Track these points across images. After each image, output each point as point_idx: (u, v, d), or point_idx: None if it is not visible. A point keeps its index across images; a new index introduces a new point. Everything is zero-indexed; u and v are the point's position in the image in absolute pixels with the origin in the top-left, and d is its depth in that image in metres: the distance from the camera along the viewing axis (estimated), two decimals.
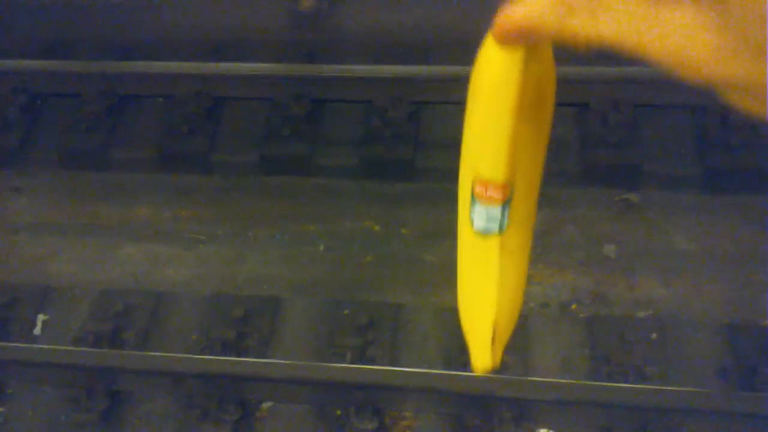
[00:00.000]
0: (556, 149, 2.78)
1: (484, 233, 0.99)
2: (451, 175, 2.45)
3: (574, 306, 2.42)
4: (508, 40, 0.59)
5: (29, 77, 3.14)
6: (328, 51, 3.17)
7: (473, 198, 0.96)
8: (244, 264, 2.61)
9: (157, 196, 2.83)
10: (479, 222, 0.98)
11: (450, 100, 2.91)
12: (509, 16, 0.54)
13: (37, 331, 2.47)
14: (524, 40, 0.59)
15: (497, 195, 0.93)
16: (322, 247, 2.66)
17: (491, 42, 0.65)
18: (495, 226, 0.97)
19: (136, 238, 2.72)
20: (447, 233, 2.59)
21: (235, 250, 2.66)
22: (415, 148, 2.81)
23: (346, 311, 2.42)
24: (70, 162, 2.98)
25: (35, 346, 2.37)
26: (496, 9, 0.56)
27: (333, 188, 2.82)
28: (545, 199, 2.64)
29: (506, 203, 0.94)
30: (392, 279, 2.54)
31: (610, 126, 2.72)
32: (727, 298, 2.39)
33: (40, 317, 2.50)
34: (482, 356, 1.24)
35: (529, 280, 2.49)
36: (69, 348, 2.33)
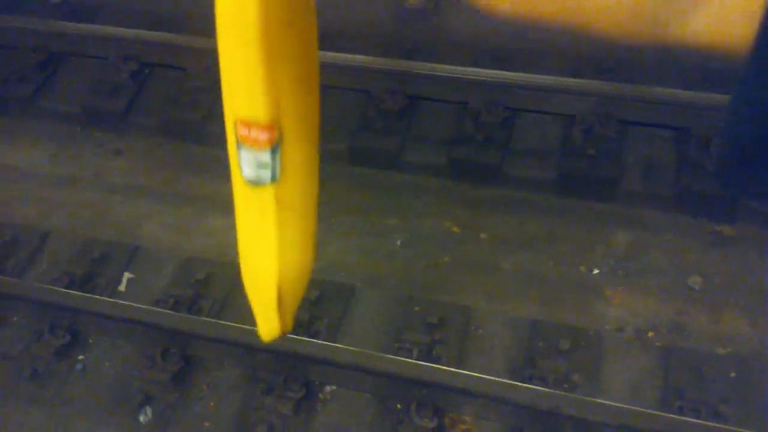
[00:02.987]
0: (648, 171, 2.71)
1: (256, 184, 0.86)
2: (538, 185, 2.42)
3: (650, 333, 2.36)
4: None
5: (140, 46, 3.28)
6: (428, 49, 3.18)
7: (238, 143, 0.85)
8: (324, 249, 2.66)
9: None
10: (248, 170, 0.85)
11: (545, 110, 2.88)
12: None
13: (122, 287, 2.58)
14: None
15: (262, 137, 0.79)
16: (399, 243, 2.67)
17: None
18: (266, 175, 0.83)
19: (225, 212, 2.80)
20: (527, 242, 2.57)
21: (318, 236, 2.70)
22: (504, 153, 2.79)
23: (416, 308, 2.43)
24: (171, 132, 3.10)
25: (119, 301, 2.47)
26: None
27: (418, 185, 2.83)
28: (631, 221, 2.60)
29: (275, 147, 0.79)
30: (466, 282, 2.54)
31: (709, 153, 2.63)
32: None
33: (126, 275, 2.61)
34: (268, 321, 1.11)
35: (608, 302, 2.44)
36: (150, 307, 2.42)
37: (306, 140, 0.85)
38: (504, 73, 2.93)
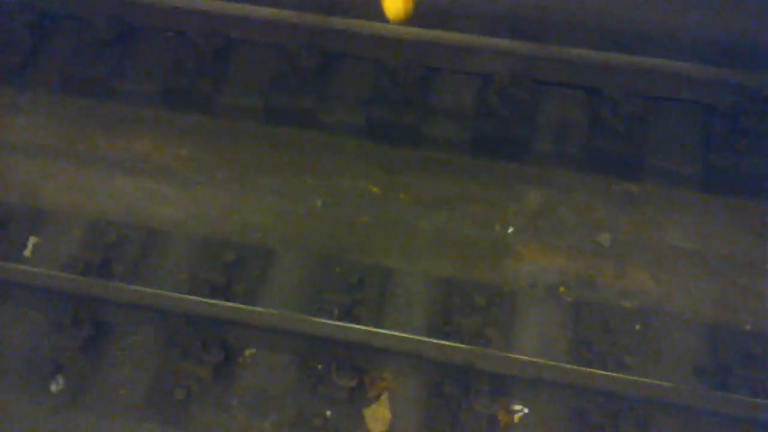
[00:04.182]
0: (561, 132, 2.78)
1: None
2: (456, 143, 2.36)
3: (561, 289, 2.45)
4: None
5: None
6: (346, 4, 3.11)
7: None
8: (240, 210, 2.61)
9: (158, 133, 2.81)
10: None
11: (462, 69, 2.88)
12: None
13: (27, 252, 2.47)
14: None
15: None
16: (318, 203, 2.65)
17: None
18: None
19: (133, 172, 2.70)
20: (444, 202, 2.59)
21: (231, 196, 2.65)
22: (423, 114, 2.79)
23: (336, 269, 2.43)
24: (74, 87, 2.94)
25: (24, 267, 2.36)
26: None
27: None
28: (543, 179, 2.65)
29: None
30: (385, 242, 2.55)
31: (620, 115, 2.71)
32: (713, 297, 2.42)
33: (31, 240, 2.49)
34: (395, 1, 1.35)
35: (521, 259, 2.51)
36: (56, 273, 2.33)
37: None
38: (421, 30, 2.90)
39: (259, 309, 2.27)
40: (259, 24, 2.95)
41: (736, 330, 2.31)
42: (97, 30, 2.98)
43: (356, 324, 2.25)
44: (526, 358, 2.17)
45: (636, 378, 2.11)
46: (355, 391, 2.22)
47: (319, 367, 2.25)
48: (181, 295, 2.29)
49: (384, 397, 2.22)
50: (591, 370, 2.14)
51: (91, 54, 2.94)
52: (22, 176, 2.70)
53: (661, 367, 2.23)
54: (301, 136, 2.80)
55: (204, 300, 2.26)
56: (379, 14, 2.98)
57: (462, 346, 2.19)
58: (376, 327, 2.27)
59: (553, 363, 2.16)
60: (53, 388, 2.20)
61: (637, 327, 2.29)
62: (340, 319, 2.27)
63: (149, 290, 2.29)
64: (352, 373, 2.20)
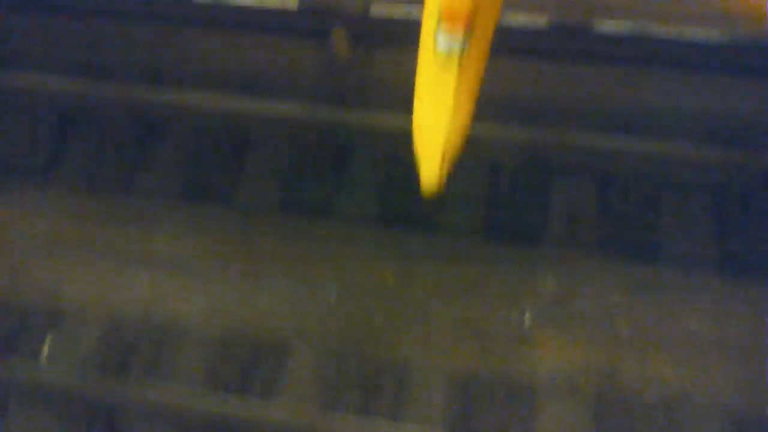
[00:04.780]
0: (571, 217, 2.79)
1: (446, 55, 1.09)
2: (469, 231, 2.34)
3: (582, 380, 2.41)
4: None
5: (58, 96, 3.19)
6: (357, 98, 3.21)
7: (440, 22, 1.06)
8: (255, 303, 2.62)
9: (176, 227, 2.85)
10: (443, 44, 1.10)
11: (472, 156, 2.93)
12: None
13: (43, 351, 2.48)
14: None
15: (460, 22, 1.06)
16: (333, 296, 2.66)
17: None
18: (456, 49, 1.08)
19: (151, 267, 2.73)
20: (460, 290, 2.58)
21: (246, 288, 2.66)
22: (436, 202, 2.82)
23: (352, 363, 2.41)
24: (95, 186, 3.01)
25: (39, 368, 2.37)
26: None
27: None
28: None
29: (469, 28, 1.05)
30: (401, 334, 2.53)
31: (631, 200, 2.73)
32: (736, 384, 2.37)
33: (48, 339, 2.51)
34: (431, 170, 1.43)
35: (540, 349, 2.48)
36: (72, 375, 2.33)
37: (488, 28, 1.07)
38: None
39: (274, 404, 2.25)
40: (275, 120, 3.04)
41: (761, 416, 2.25)
42: (118, 129, 3.09)
43: (374, 419, 2.22)
44: None
45: None
46: None
47: None
48: (196, 393, 2.27)
49: None
50: None
51: (111, 153, 3.04)
52: (41, 275, 2.74)
53: None
54: (316, 226, 2.84)
55: (219, 397, 2.25)
56: (390, 107, 3.07)
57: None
58: (394, 421, 2.24)
59: None
60: None
61: (661, 418, 2.24)
62: (356, 414, 2.24)
63: (163, 389, 2.28)
64: None
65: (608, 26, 2.83)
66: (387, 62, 3.26)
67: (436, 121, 1.36)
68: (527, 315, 2.57)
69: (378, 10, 2.96)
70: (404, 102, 3.12)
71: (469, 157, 2.93)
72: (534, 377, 2.39)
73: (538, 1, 2.95)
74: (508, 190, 2.81)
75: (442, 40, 1.08)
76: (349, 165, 2.97)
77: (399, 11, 2.95)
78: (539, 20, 2.90)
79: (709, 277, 2.62)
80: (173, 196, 2.94)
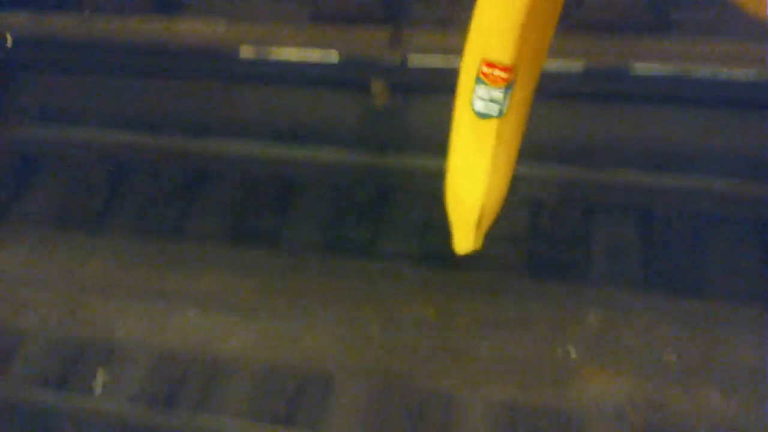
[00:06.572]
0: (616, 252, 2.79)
1: (483, 116, 0.97)
2: (512, 268, 2.42)
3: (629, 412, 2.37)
4: None
5: (113, 148, 3.36)
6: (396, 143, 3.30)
7: (478, 79, 0.94)
8: (301, 340, 2.66)
9: (224, 268, 2.94)
10: (480, 103, 0.97)
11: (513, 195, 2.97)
12: None
13: (96, 385, 2.55)
14: None
15: (502, 76, 0.91)
16: (376, 331, 2.69)
17: None
18: (495, 109, 0.95)
19: (200, 306, 2.81)
20: (503, 325, 2.60)
21: (292, 326, 2.71)
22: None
23: (396, 396, 2.42)
24: (146, 230, 3.14)
25: (92, 400, 2.43)
26: None
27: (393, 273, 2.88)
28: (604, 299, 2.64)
29: (509, 86, 0.92)
30: (444, 368, 2.54)
31: (675, 235, 2.73)
32: None
33: (101, 373, 2.58)
34: (466, 237, 1.27)
35: (586, 382, 2.46)
36: (124, 408, 2.39)
37: (531, 82, 0.97)
38: None
39: None
40: (318, 166, 3.15)
41: None
42: (167, 177, 3.23)
43: None
44: None
45: None
46: None
47: None
48: (243, 425, 2.30)
49: None
50: None
51: (162, 199, 3.17)
52: (95, 314, 2.83)
53: None
54: (359, 266, 2.89)
55: (266, 429, 2.28)
56: (427, 151, 3.15)
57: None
58: None
59: None
60: None
61: None
62: None
63: (211, 421, 2.32)
64: None
65: (644, 69, 2.89)
66: (424, 109, 3.37)
67: (472, 187, 1.22)
68: (571, 349, 2.56)
69: (416, 60, 3.08)
70: (440, 146, 3.21)
71: (510, 194, 2.99)
72: (579, 408, 2.37)
73: (571, 48, 3.04)
74: (549, 228, 2.84)
75: (481, 96, 0.98)
76: (390, 206, 3.04)
77: (436, 60, 3.06)
78: (574, 65, 2.98)
79: (756, 310, 2.58)
80: (221, 240, 3.04)
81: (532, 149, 3.11)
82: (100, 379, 2.57)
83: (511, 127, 1.08)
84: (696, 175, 2.86)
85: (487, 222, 1.27)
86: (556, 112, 3.13)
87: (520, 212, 2.95)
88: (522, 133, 1.12)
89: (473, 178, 1.15)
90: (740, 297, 2.61)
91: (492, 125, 1.02)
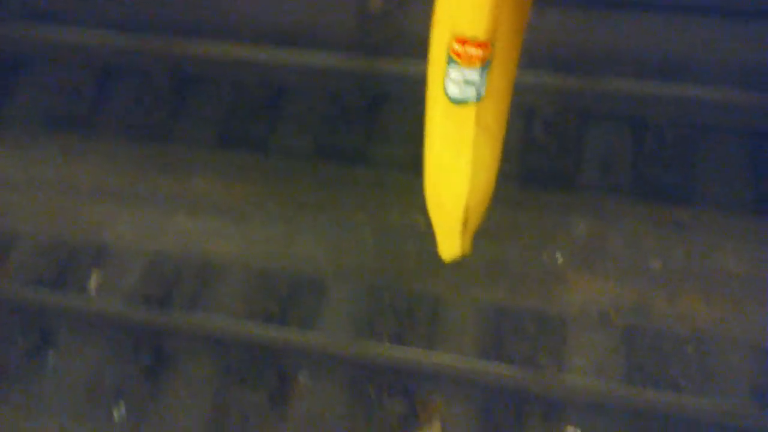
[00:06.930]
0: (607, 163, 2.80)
1: (459, 102, 0.82)
2: (503, 177, 2.39)
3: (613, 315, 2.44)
4: None
5: (100, 49, 3.27)
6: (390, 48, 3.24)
7: (450, 59, 0.79)
8: (293, 244, 2.69)
9: (214, 172, 2.93)
10: (454, 87, 0.81)
11: None
12: None
13: (91, 285, 2.58)
14: None
15: (477, 54, 0.76)
16: (368, 236, 2.72)
17: None
18: (472, 93, 0.79)
19: (191, 210, 2.82)
20: (492, 233, 2.62)
21: (284, 230, 2.74)
22: None
23: (386, 297, 2.48)
24: (134, 134, 3.10)
25: (87, 300, 2.47)
26: None
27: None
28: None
29: (486, 65, 0.77)
30: (434, 272, 2.59)
31: (666, 144, 2.74)
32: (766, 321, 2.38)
33: (95, 273, 2.61)
34: (451, 242, 1.09)
35: (571, 286, 2.52)
36: (119, 305, 2.43)
37: (511, 61, 0.83)
38: None
39: (311, 335, 2.32)
40: (310, 70, 3.09)
41: None
42: (156, 80, 3.16)
43: (408, 348, 2.28)
44: (578, 380, 2.16)
45: (689, 398, 2.08)
46: (408, 417, 2.23)
47: (372, 393, 2.28)
48: (237, 322, 2.36)
49: (436, 422, 2.23)
50: (644, 391, 2.12)
51: (150, 103, 3.12)
52: (86, 216, 2.84)
53: (716, 388, 2.19)
54: (350, 173, 2.89)
55: (259, 326, 2.33)
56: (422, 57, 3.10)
57: (513, 369, 2.20)
58: (427, 350, 2.30)
59: (606, 386, 2.15)
60: (115, 414, 2.28)
61: (690, 350, 2.26)
62: (391, 342, 2.30)
63: (206, 319, 2.37)
64: (403, 399, 2.22)
65: None
66: (420, 12, 3.29)
67: (453, 186, 0.99)
68: (559, 255, 2.61)
69: None
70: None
71: None
72: (564, 311, 2.43)
73: None
74: (542, 137, 2.83)
75: (454, 78, 0.84)
76: (383, 113, 3.01)
77: None
78: None
79: (745, 219, 2.62)
80: (210, 145, 3.01)
81: (526, 56, 3.07)
82: (94, 280, 2.60)
83: (493, 112, 0.90)
84: (690, 84, 2.83)
85: (474, 223, 1.09)
86: (550, 18, 3.08)
87: (513, 121, 2.92)
88: (506, 118, 0.96)
89: (454, 176, 0.94)
90: (728, 206, 2.64)
91: (470, 111, 0.84)
